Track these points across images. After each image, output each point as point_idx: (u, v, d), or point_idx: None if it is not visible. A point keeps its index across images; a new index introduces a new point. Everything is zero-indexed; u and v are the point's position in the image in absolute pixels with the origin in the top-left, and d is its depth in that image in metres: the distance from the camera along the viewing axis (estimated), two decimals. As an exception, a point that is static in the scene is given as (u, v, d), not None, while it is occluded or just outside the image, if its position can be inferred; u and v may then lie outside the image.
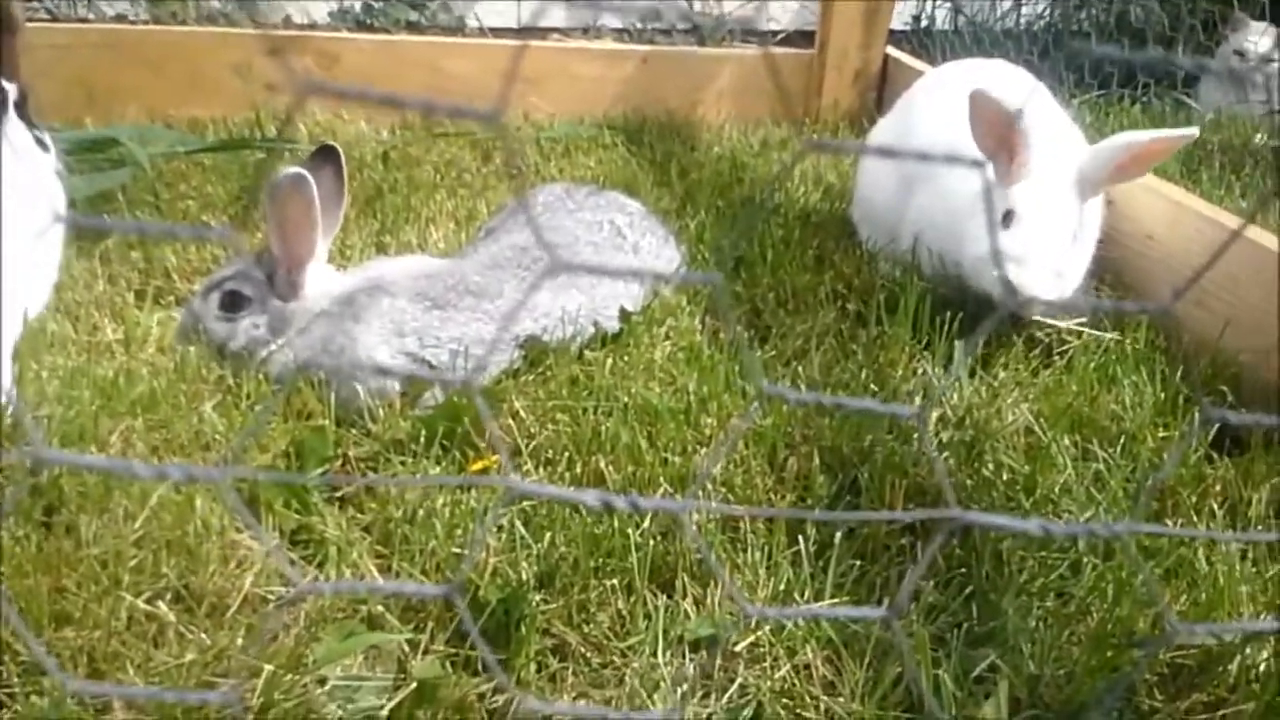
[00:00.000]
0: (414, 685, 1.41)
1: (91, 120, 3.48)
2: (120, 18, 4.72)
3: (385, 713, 1.39)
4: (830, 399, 0.70)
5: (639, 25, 5.16)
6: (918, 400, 2.05)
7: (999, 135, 2.24)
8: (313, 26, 4.74)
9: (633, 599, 1.58)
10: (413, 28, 4.74)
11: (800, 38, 4.96)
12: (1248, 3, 4.70)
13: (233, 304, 2.15)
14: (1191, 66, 4.75)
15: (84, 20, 4.69)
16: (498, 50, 4.16)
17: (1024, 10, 5.28)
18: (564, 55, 4.23)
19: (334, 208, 2.28)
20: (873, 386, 2.09)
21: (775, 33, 5.26)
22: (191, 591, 1.54)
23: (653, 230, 2.56)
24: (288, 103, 3.59)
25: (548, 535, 1.65)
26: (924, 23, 5.26)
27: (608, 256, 2.41)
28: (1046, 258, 2.21)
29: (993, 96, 2.22)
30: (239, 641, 1.45)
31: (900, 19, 4.95)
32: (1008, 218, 2.25)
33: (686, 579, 1.63)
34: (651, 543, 1.63)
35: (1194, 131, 2.26)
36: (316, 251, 2.20)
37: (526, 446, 1.90)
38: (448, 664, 1.48)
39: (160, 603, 1.51)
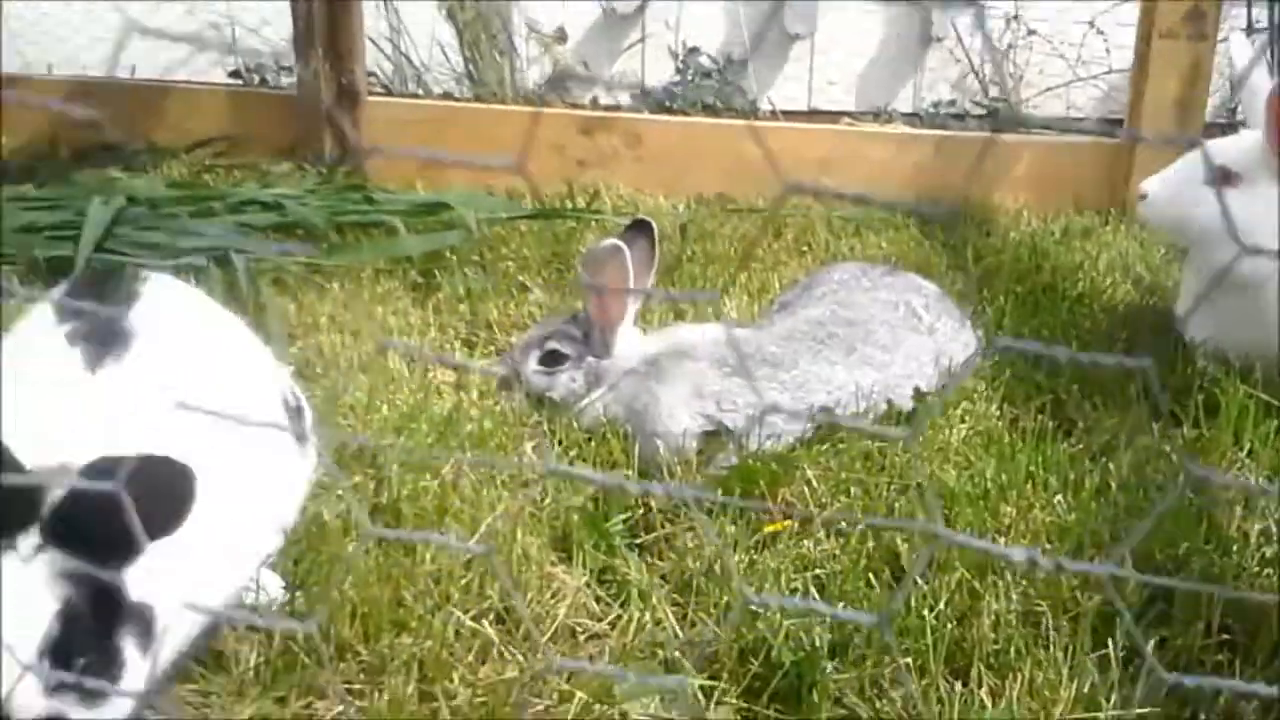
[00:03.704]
0: (712, 732, 1.47)
1: (422, 185, 3.84)
2: (447, 95, 5.20)
3: (682, 754, 1.45)
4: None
5: (932, 110, 5.17)
6: (1238, 510, 1.93)
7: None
8: (617, 108, 5.05)
9: (925, 680, 1.57)
10: (710, 110, 4.96)
11: (1105, 125, 4.80)
12: None
13: (552, 360, 2.33)
14: None
15: (415, 96, 5.20)
16: (790, 133, 4.30)
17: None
18: (856, 138, 4.31)
19: (644, 275, 2.42)
20: (1188, 493, 1.99)
21: (1077, 119, 5.11)
22: (511, 614, 1.67)
23: (949, 313, 2.56)
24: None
25: (840, 605, 1.68)
26: (1240, 115, 4.97)
27: (903, 337, 2.42)
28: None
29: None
30: (554, 665, 1.56)
31: (1214, 111, 4.71)
32: None
33: (982, 668, 1.60)
34: (949, 626, 1.62)
35: None
36: (627, 315, 2.36)
37: (818, 514, 1.93)
38: (739, 717, 1.53)
39: (484, 621, 1.65)
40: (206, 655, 1.59)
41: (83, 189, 3.21)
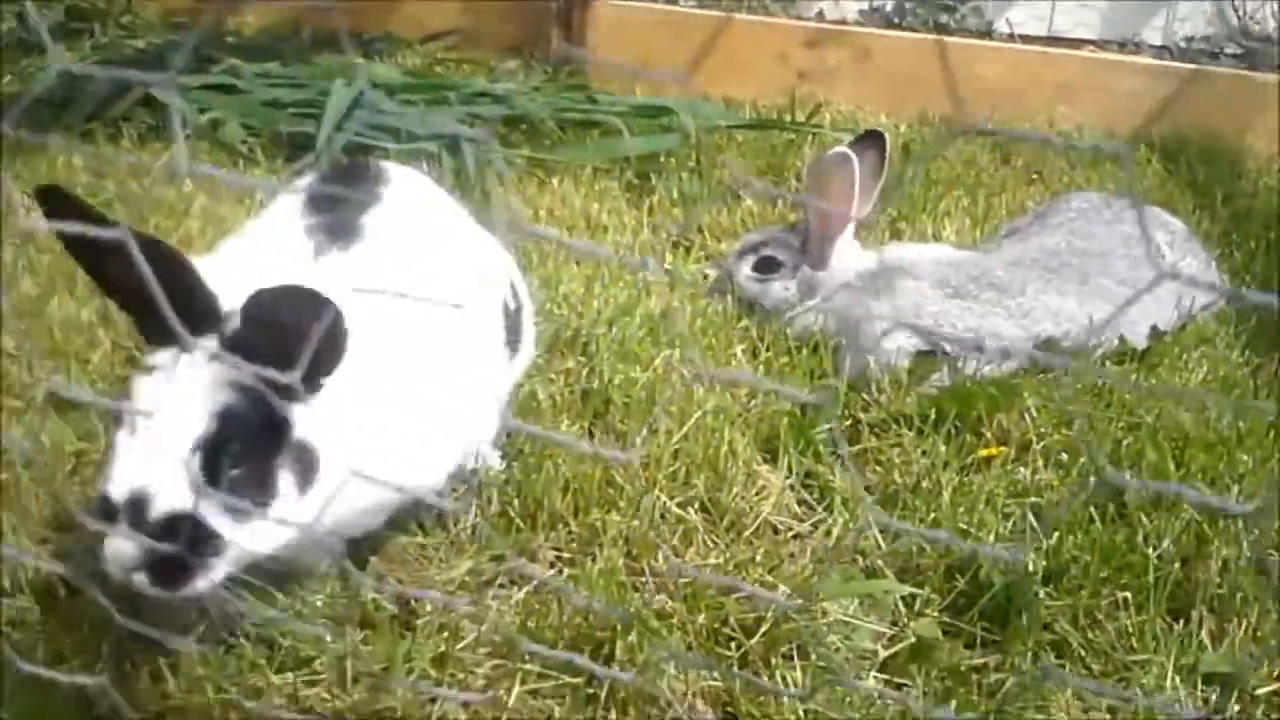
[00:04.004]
0: (912, 640, 1.46)
1: (640, 89, 3.82)
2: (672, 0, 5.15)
3: (881, 659, 1.45)
4: None
5: (1183, 44, 4.78)
6: None
7: None
8: (843, 22, 4.89)
9: (1142, 618, 1.51)
10: (941, 29, 4.74)
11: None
12: None
13: (767, 267, 2.32)
14: None
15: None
16: (1027, 56, 4.07)
17: None
18: (1100, 66, 4.04)
19: (870, 188, 2.35)
20: None
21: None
22: (716, 505, 1.69)
23: (1194, 253, 2.40)
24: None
25: (1056, 534, 1.62)
26: None
27: (1142, 272, 2.28)
28: None
29: None
30: (756, 558, 1.58)
31: None
32: None
33: (1204, 610, 1.53)
34: (1175, 566, 1.54)
35: None
36: (848, 227, 2.31)
37: (1037, 443, 1.86)
38: (941, 630, 1.51)
39: (690, 509, 1.68)
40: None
41: (324, 70, 3.37)
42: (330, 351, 1.26)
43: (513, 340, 1.80)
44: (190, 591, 1.24)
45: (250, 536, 1.26)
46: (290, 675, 1.39)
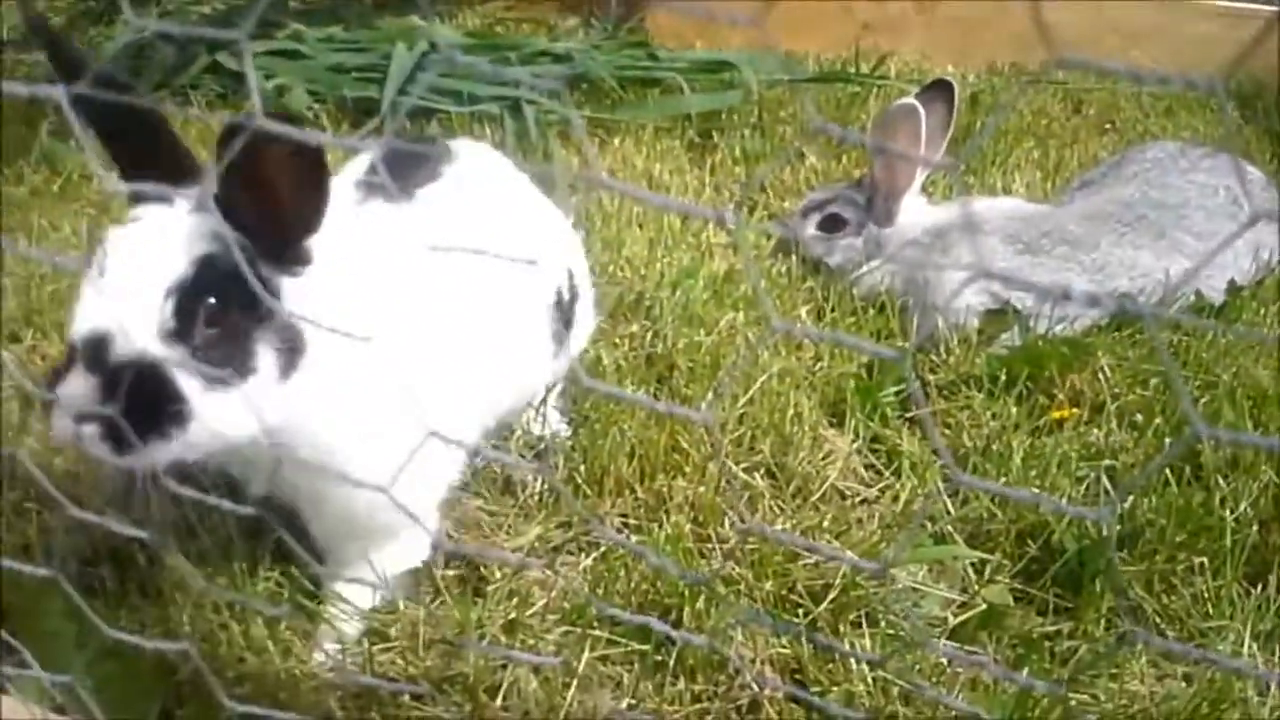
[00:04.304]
0: (983, 607, 1.44)
1: (701, 43, 3.75)
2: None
3: (950, 626, 1.44)
4: None
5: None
6: None
7: None
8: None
9: (1219, 583, 1.48)
10: (1008, -27, 4.59)
11: None
12: None
13: (832, 224, 2.29)
14: None
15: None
16: (1105, 4, 3.93)
17: None
18: (1175, 10, 3.89)
19: (937, 141, 2.30)
20: None
21: None
22: (782, 470, 1.69)
23: (1272, 202, 2.31)
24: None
25: (1131, 497, 1.59)
26: None
27: (1220, 224, 2.21)
28: None
29: None
30: (823, 524, 1.57)
31: None
32: None
33: (1283, 575, 1.50)
34: (1253, 529, 1.51)
35: None
36: (915, 182, 2.27)
37: (1111, 404, 1.83)
38: (1013, 596, 1.50)
39: (756, 475, 1.67)
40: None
41: (386, 34, 3.37)
42: (311, 193, 1.17)
43: (562, 331, 1.71)
44: (144, 457, 1.11)
45: (219, 412, 1.14)
46: (364, 641, 1.42)
